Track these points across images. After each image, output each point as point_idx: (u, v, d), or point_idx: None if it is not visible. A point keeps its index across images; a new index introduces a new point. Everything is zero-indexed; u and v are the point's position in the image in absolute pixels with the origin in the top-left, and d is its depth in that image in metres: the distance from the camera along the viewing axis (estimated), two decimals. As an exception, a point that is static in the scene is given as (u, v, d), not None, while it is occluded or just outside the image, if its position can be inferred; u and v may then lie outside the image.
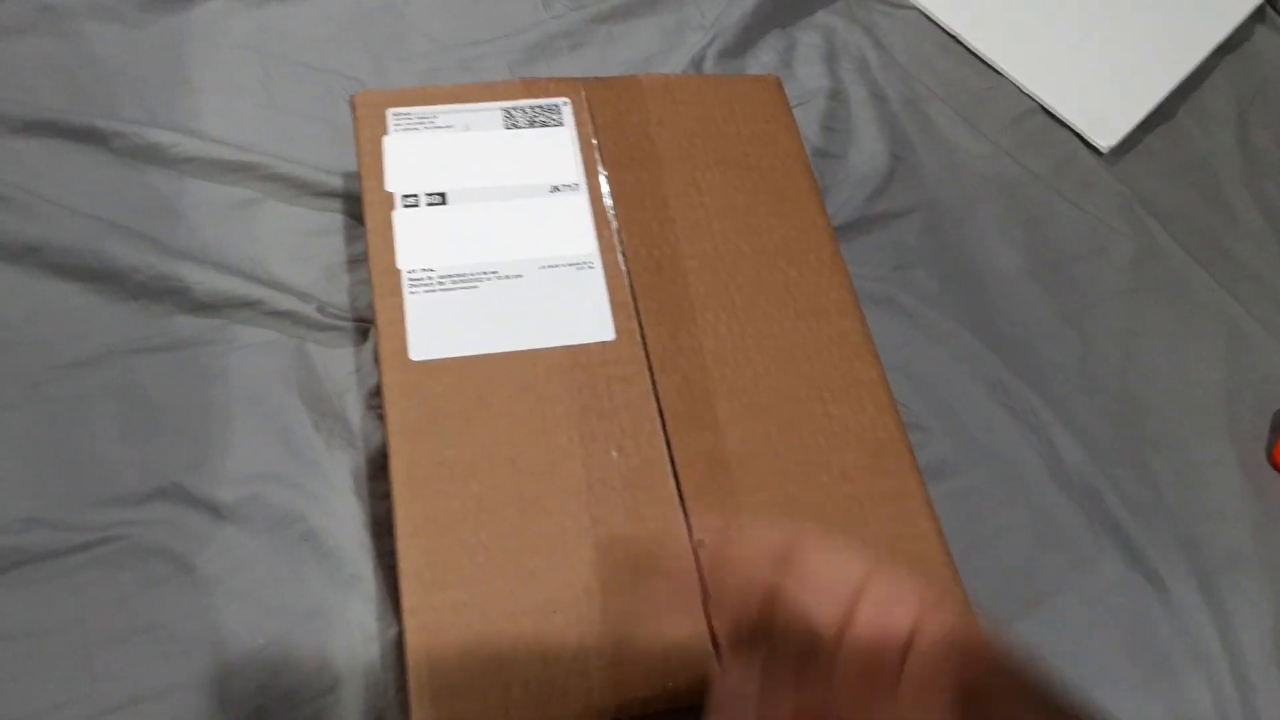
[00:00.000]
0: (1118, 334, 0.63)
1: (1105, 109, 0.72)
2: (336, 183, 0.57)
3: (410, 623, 0.36)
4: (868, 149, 0.67)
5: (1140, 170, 0.72)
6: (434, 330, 0.41)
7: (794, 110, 0.67)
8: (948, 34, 0.75)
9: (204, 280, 0.53)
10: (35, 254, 0.52)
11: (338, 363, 0.53)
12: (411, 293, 0.42)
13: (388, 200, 0.44)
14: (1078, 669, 0.52)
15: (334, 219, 0.57)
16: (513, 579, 0.37)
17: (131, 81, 0.60)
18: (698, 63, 0.68)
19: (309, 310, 0.53)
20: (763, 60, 0.70)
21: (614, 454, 0.40)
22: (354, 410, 0.51)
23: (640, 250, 0.46)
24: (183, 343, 0.52)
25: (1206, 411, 0.62)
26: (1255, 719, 0.51)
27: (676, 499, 0.40)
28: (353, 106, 0.47)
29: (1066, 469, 0.57)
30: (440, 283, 0.42)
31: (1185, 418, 0.61)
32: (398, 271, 0.42)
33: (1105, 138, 0.70)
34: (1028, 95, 0.72)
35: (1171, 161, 0.73)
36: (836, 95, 0.69)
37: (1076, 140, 0.71)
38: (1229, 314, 0.66)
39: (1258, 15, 0.81)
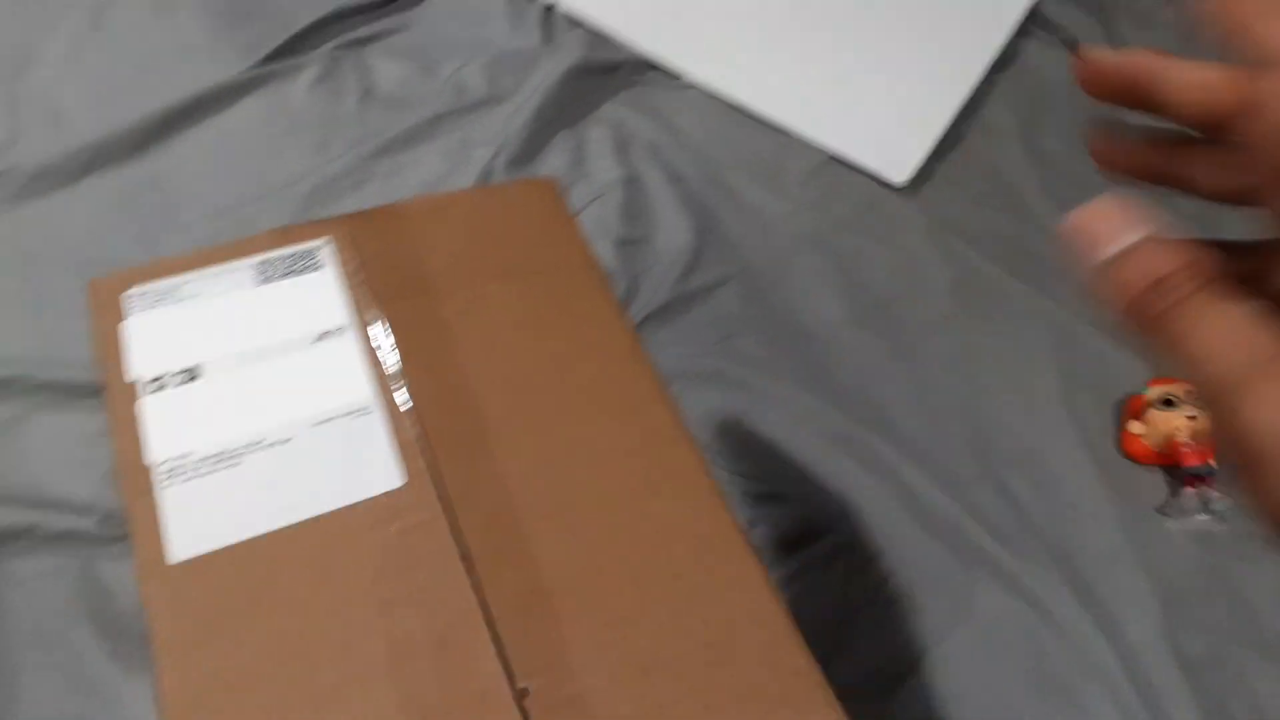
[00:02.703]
0: (951, 361, 0.63)
1: (893, 145, 0.73)
2: (110, 375, 0.53)
3: None
4: (671, 228, 0.66)
5: (942, 198, 0.73)
6: (195, 524, 0.37)
7: (592, 204, 0.67)
8: (732, 105, 0.76)
9: (-34, 514, 0.48)
10: None
11: (133, 576, 0.48)
12: (165, 486, 0.38)
13: (130, 391, 0.41)
14: (981, 714, 0.50)
15: (112, 414, 0.52)
16: (314, 791, 0.32)
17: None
18: (487, 176, 0.67)
19: (90, 525, 0.48)
20: (552, 164, 0.69)
21: (417, 617, 0.36)
22: (155, 620, 0.46)
23: (424, 383, 0.43)
24: (-51, 588, 0.47)
25: (1052, 418, 0.61)
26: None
27: (493, 649, 0.36)
28: (89, 295, 0.43)
29: (925, 509, 0.56)
30: (197, 468, 0.39)
31: (1032, 429, 0.61)
32: (148, 467, 0.38)
33: (898, 173, 0.71)
34: (819, 148, 0.73)
35: (970, 183, 0.75)
36: (632, 183, 0.69)
37: (874, 181, 0.72)
38: (1053, 318, 0.66)
39: (1024, 31, 0.85)
